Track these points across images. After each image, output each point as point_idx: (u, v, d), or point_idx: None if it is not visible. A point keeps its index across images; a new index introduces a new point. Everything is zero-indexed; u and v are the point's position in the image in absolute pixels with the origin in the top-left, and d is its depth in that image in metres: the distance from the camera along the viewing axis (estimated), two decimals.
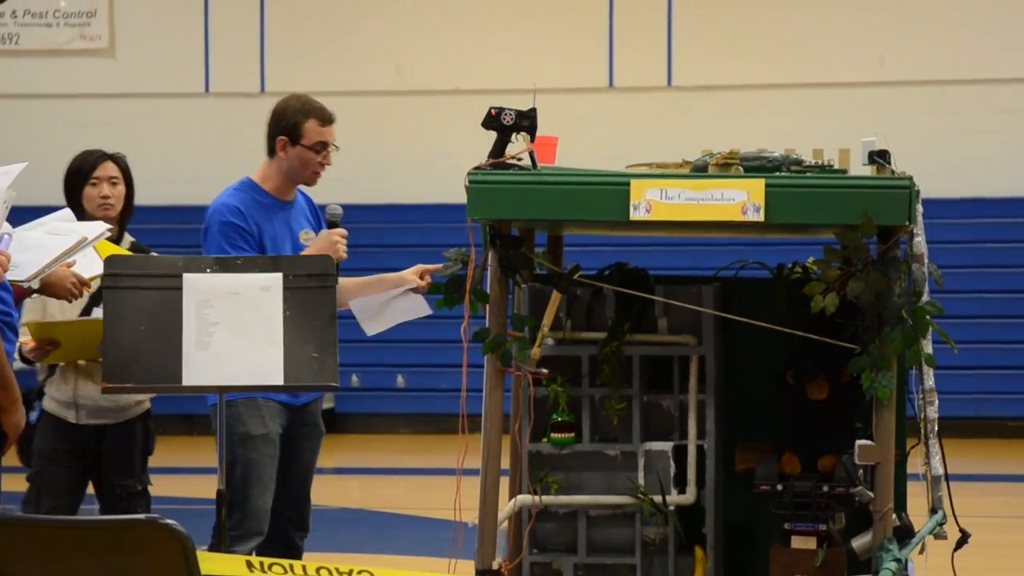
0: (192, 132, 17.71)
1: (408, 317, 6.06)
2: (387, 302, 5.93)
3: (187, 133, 17.71)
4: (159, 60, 17.97)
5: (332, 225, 5.93)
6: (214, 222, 5.89)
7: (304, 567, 4.05)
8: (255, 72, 18.01)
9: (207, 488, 5.91)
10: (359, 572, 4.13)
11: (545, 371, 5.72)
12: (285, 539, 6.07)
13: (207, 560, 3.99)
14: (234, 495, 5.86)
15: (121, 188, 6.29)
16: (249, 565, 4.07)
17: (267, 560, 4.07)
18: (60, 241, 4.81)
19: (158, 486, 6.52)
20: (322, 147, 5.91)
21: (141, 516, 3.91)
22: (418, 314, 6.06)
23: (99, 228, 5.01)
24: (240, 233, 5.86)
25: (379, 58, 17.62)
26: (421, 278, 5.96)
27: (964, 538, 5.59)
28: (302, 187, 6.14)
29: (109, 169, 6.28)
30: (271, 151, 6.00)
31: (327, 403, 15.94)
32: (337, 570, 4.12)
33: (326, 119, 5.94)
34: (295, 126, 5.90)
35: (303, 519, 6.14)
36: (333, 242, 5.84)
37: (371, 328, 5.97)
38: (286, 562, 4.05)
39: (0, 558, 3.85)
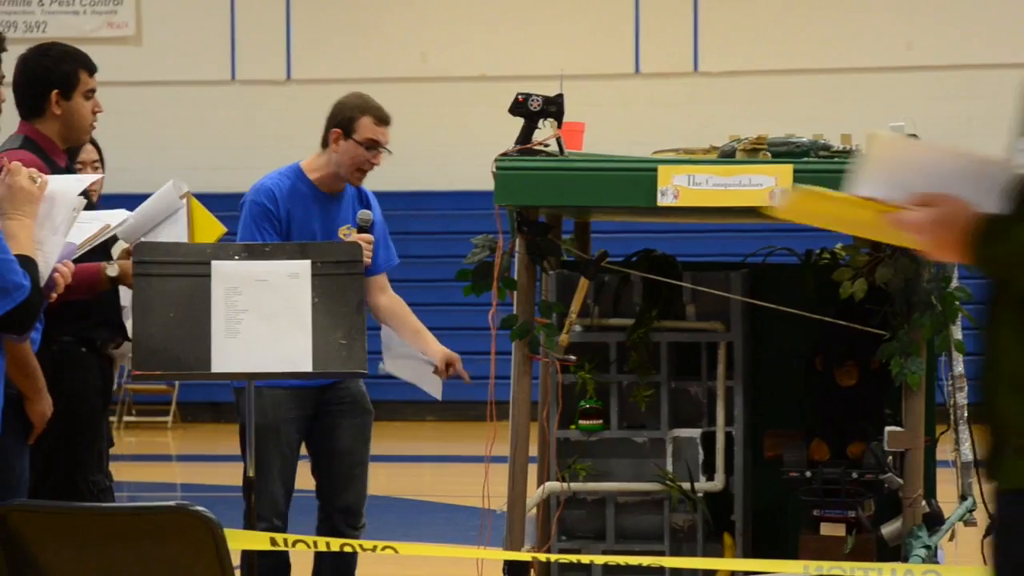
0: (218, 119, 17.73)
1: (420, 385, 6.06)
2: (412, 357, 5.96)
3: (213, 120, 17.73)
4: (185, 48, 17.99)
5: (361, 230, 5.94)
6: (247, 201, 5.94)
7: (328, 543, 4.06)
8: (281, 59, 18.01)
9: (235, 475, 5.92)
10: (383, 548, 4.14)
11: (573, 358, 5.71)
12: (331, 529, 5.90)
13: (232, 537, 3.99)
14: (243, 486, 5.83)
15: (101, 173, 5.93)
16: (272, 542, 4.08)
17: (291, 537, 4.08)
18: (83, 229, 4.80)
19: (187, 473, 6.53)
20: (373, 144, 5.90)
21: (171, 503, 3.92)
22: (428, 391, 6.06)
23: (121, 215, 5.00)
24: (268, 216, 5.86)
25: (405, 45, 17.61)
26: (448, 367, 5.95)
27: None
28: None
29: (91, 153, 6.02)
30: (325, 142, 6.00)
31: None
32: (361, 546, 4.13)
33: (382, 119, 5.95)
34: (350, 120, 5.92)
35: (352, 506, 5.97)
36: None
37: (387, 365, 6.01)
38: (310, 539, 4.05)
39: (31, 545, 3.86)
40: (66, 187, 4.48)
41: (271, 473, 5.89)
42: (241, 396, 5.83)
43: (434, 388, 6.07)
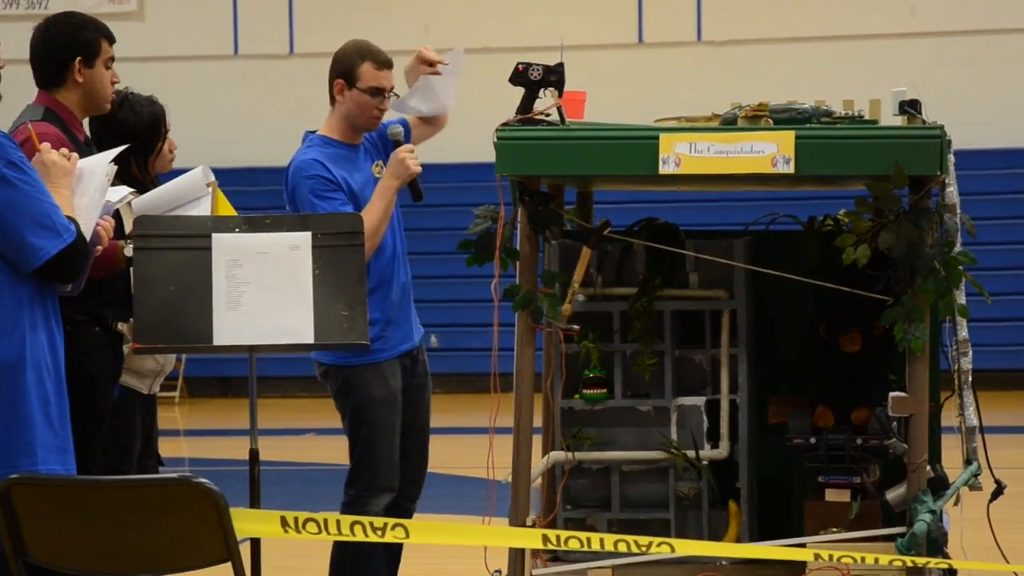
0: (222, 95, 17.70)
1: (440, 104, 6.00)
2: (427, 88, 5.90)
3: (217, 96, 17.71)
4: (188, 23, 17.96)
5: (397, 144, 5.91)
6: (298, 180, 5.81)
7: (338, 522, 4.06)
8: (284, 34, 17.98)
9: (243, 450, 5.91)
10: (393, 527, 4.14)
11: (576, 327, 5.71)
12: (393, 502, 5.92)
13: (242, 518, 4.00)
14: (361, 456, 5.84)
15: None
16: (283, 522, 4.08)
17: (302, 516, 4.08)
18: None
19: (195, 448, 6.52)
20: (377, 92, 5.87)
21: (174, 475, 3.92)
22: (446, 102, 6.03)
23: (122, 192, 5.00)
24: (327, 183, 5.79)
25: (407, 17, 17.57)
26: (422, 62, 5.90)
27: (999, 489, 5.57)
28: None
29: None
30: (332, 98, 5.96)
31: None
32: (371, 525, 4.13)
33: (382, 63, 5.92)
34: (350, 69, 5.89)
35: (419, 480, 6.03)
36: (401, 160, 5.82)
37: (446, 105, 5.97)
38: (320, 517, 4.06)
39: (35, 518, 3.87)
40: (96, 159, 4.70)
41: (393, 442, 5.85)
42: (345, 370, 5.80)
43: (450, 94, 5.98)
